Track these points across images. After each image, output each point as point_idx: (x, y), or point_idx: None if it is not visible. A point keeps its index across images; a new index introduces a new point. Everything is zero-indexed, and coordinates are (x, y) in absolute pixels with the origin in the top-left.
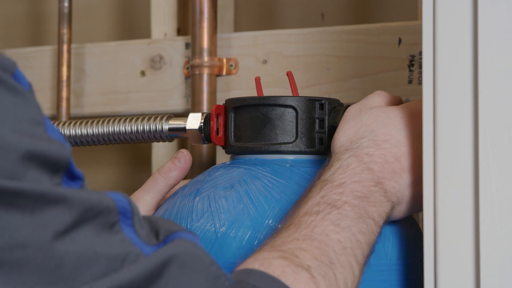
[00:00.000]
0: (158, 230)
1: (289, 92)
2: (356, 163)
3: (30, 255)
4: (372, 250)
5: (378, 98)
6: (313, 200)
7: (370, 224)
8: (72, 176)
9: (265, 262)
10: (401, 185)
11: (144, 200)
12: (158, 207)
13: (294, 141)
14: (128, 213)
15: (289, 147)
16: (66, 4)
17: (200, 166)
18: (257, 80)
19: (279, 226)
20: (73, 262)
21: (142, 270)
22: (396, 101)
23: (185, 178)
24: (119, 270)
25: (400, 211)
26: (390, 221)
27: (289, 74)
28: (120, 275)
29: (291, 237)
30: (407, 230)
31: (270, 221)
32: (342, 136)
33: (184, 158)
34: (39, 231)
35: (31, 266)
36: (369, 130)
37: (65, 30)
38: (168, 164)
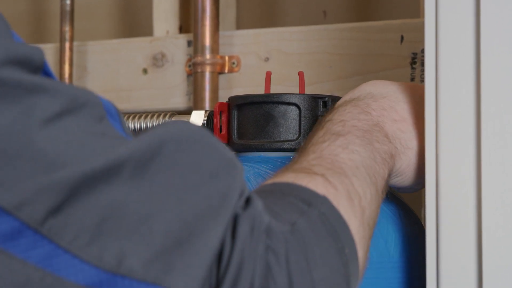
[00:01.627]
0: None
1: (291, 90)
2: (353, 108)
3: (14, 145)
4: (386, 188)
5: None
6: (317, 135)
7: (375, 154)
8: (49, 77)
9: (276, 178)
10: (404, 134)
11: None
12: None
13: (297, 138)
14: (115, 115)
15: (292, 145)
16: (68, 2)
17: None
18: (268, 75)
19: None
20: (63, 150)
21: (141, 145)
22: None
23: None
24: (117, 147)
25: (403, 168)
26: (394, 218)
27: (300, 74)
28: (118, 151)
29: (301, 164)
30: (409, 228)
31: None
32: (346, 96)
33: None
34: (24, 118)
35: (14, 155)
36: (366, 91)
37: (67, 28)
38: None
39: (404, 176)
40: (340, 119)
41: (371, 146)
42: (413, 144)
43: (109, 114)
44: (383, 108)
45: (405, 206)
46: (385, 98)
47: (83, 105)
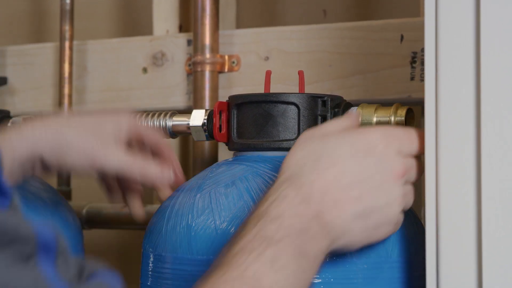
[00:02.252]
0: (83, 268)
1: (291, 89)
2: (294, 194)
3: None
4: (310, 286)
5: (336, 124)
6: (248, 235)
7: (307, 261)
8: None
9: None
10: (344, 218)
11: (109, 164)
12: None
13: (296, 138)
14: (51, 250)
15: (291, 144)
16: (67, 1)
17: (203, 162)
18: (268, 74)
19: (217, 258)
20: None
21: None
22: (357, 125)
23: (186, 176)
24: None
25: (346, 245)
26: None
27: (300, 73)
28: None
29: (220, 280)
30: (408, 227)
31: None
32: (288, 161)
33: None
34: None
35: None
36: (314, 157)
37: (67, 27)
38: (155, 171)
39: (346, 250)
40: (277, 214)
41: (302, 252)
42: (352, 226)
43: (42, 249)
44: (326, 191)
45: None
46: (332, 169)
47: (10, 241)
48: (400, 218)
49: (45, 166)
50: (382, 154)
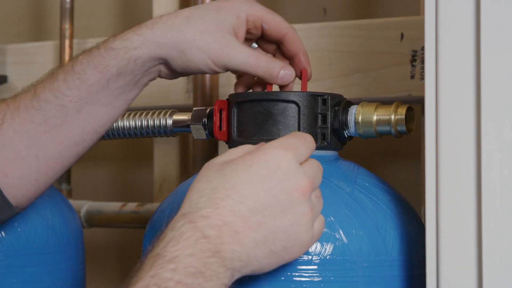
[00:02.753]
0: None
1: (292, 87)
2: (191, 231)
3: None
4: None
5: (238, 150)
6: (142, 281)
7: None
8: None
9: None
10: (246, 246)
11: (234, 61)
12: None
13: None
14: None
15: None
16: None
17: (203, 161)
18: None
19: None
20: None
21: None
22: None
23: (186, 174)
24: None
25: (254, 271)
26: (392, 216)
27: (303, 72)
28: None
29: None
30: (408, 226)
31: None
32: (188, 195)
33: (287, 77)
34: None
35: None
36: (211, 187)
37: (67, 26)
38: (286, 69)
39: (255, 273)
40: (173, 255)
41: None
42: (256, 253)
43: None
44: (223, 222)
45: (405, 203)
46: (229, 198)
47: None
48: (316, 229)
49: (170, 68)
50: (282, 174)
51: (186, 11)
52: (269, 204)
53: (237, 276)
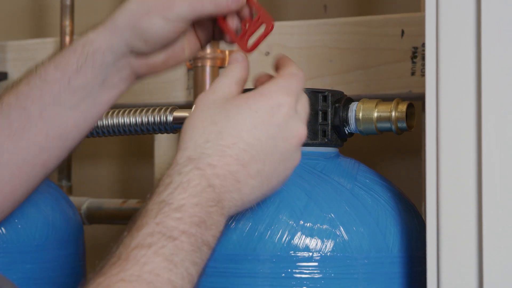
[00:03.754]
0: None
1: None
2: (198, 179)
3: None
4: (202, 273)
5: (229, 81)
6: (147, 227)
7: (204, 251)
8: None
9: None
10: (243, 193)
11: (181, 10)
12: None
13: None
14: None
15: None
16: None
17: None
18: None
19: (113, 248)
20: None
21: None
22: (246, 72)
23: None
24: None
25: (241, 209)
26: (393, 213)
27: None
28: None
29: (117, 277)
30: (409, 222)
31: (270, 213)
32: (189, 132)
33: None
34: None
35: None
36: (217, 131)
37: (67, 22)
38: None
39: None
40: (179, 203)
41: (201, 243)
42: (250, 198)
43: None
44: (228, 171)
45: (405, 200)
46: (235, 146)
47: None
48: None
49: (139, 54)
50: (283, 121)
51: None
52: (270, 152)
53: (227, 219)
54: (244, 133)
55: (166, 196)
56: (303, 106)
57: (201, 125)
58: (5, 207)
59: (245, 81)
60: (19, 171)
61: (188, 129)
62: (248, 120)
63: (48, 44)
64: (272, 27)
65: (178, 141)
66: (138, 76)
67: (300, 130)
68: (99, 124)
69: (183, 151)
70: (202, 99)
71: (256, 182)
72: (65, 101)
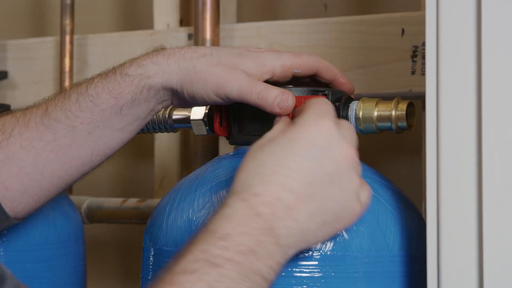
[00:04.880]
0: None
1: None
2: (244, 209)
3: None
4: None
5: (279, 126)
6: (192, 254)
7: (256, 280)
8: None
9: None
10: (300, 221)
11: (232, 90)
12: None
13: None
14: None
15: None
16: None
17: (204, 157)
18: None
19: (160, 274)
20: None
21: None
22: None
23: (187, 170)
24: None
25: (310, 245)
26: (393, 212)
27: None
28: None
29: None
30: (409, 221)
31: None
32: (237, 176)
33: (278, 102)
34: None
35: None
36: (257, 164)
37: (67, 21)
38: (273, 93)
39: (312, 247)
40: (226, 232)
41: (250, 272)
42: (311, 226)
43: None
44: (276, 199)
45: (405, 199)
46: (278, 173)
47: None
48: (364, 197)
49: (180, 98)
50: (325, 142)
51: (207, 48)
52: (317, 174)
53: (292, 252)
54: (283, 160)
55: (212, 226)
56: (348, 131)
57: (245, 166)
58: (36, 209)
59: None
60: (59, 181)
61: (236, 176)
62: (285, 149)
63: (48, 43)
64: None
65: None
66: (173, 105)
67: (346, 150)
68: None
69: (230, 191)
70: (249, 148)
71: (311, 208)
72: (114, 124)
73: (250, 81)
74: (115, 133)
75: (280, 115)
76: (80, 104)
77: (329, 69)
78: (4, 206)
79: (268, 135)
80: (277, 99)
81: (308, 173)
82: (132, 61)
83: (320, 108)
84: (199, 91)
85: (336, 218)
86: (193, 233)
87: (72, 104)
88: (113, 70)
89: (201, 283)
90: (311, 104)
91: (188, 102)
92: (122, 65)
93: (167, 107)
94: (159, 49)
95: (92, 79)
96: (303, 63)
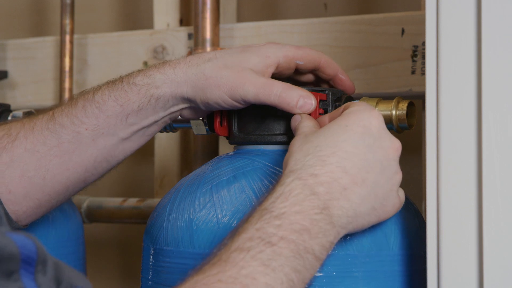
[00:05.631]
0: (60, 280)
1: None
2: (300, 188)
3: None
4: (310, 283)
5: (309, 122)
6: (247, 232)
7: (308, 259)
8: None
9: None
10: (353, 202)
11: (247, 92)
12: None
13: None
14: (33, 261)
15: (291, 138)
16: None
17: (204, 156)
18: None
19: (214, 252)
20: None
21: None
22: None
23: (187, 170)
24: None
25: (357, 228)
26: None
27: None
28: None
29: (216, 278)
30: (410, 221)
31: None
32: (290, 157)
33: (300, 104)
34: None
35: None
36: (314, 145)
37: (67, 21)
38: (294, 97)
39: (358, 230)
40: (280, 211)
41: (303, 250)
42: (362, 209)
43: (24, 262)
44: (333, 178)
45: (405, 198)
46: (334, 155)
47: None
48: (401, 192)
49: (193, 108)
50: (377, 132)
51: (211, 53)
52: (371, 160)
53: (342, 233)
54: (341, 143)
55: (268, 204)
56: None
57: (299, 149)
58: (38, 215)
59: (323, 123)
60: (60, 186)
61: (289, 155)
62: (341, 133)
63: (48, 42)
64: None
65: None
66: (183, 117)
67: (395, 142)
68: None
69: (284, 172)
70: (294, 139)
71: (363, 191)
72: (119, 132)
73: (265, 82)
74: (119, 142)
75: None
76: (86, 110)
77: (330, 64)
78: (7, 209)
79: (305, 129)
80: (299, 102)
81: (362, 158)
82: (139, 71)
83: (365, 104)
84: (213, 97)
85: (381, 206)
86: (246, 211)
87: (79, 110)
88: (120, 79)
89: (255, 261)
90: (355, 102)
91: (201, 110)
92: (129, 74)
93: (175, 119)
94: (165, 61)
95: (99, 87)
96: (306, 55)
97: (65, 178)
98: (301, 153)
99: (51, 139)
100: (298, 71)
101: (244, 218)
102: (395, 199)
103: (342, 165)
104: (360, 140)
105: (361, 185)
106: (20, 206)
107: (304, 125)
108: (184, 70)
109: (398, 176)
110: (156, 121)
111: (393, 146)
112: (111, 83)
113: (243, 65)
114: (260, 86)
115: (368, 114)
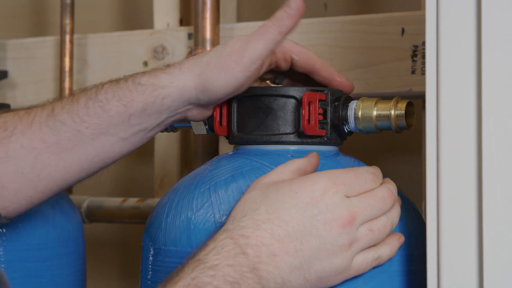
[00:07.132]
0: None
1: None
2: (232, 245)
3: None
4: None
5: (289, 168)
6: (183, 281)
7: None
8: None
9: None
10: (282, 270)
11: (255, 49)
12: (271, 55)
13: (296, 131)
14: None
15: (291, 138)
16: None
17: (204, 156)
18: None
19: None
20: None
21: None
22: (312, 167)
23: (187, 169)
24: None
25: (281, 285)
26: None
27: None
28: None
29: None
30: (409, 221)
31: None
32: (235, 209)
33: (296, 4)
34: None
35: None
36: (253, 208)
37: (67, 21)
38: (279, 12)
39: None
40: (214, 263)
41: None
42: (292, 278)
43: None
44: (262, 243)
45: (405, 198)
46: (270, 221)
47: None
48: (357, 263)
49: (199, 106)
50: (326, 205)
51: (214, 48)
52: (307, 232)
53: None
54: (280, 211)
55: (201, 256)
56: (363, 197)
57: (242, 205)
58: (27, 209)
59: (306, 172)
60: (54, 184)
61: (233, 211)
62: (286, 200)
63: (48, 42)
64: None
65: None
66: (187, 119)
67: (342, 215)
68: None
69: (223, 227)
70: (254, 183)
71: (295, 261)
72: (120, 133)
73: (259, 30)
74: (118, 142)
75: None
76: (89, 108)
77: (326, 67)
78: None
79: (274, 176)
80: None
81: (299, 228)
82: (144, 72)
83: (340, 176)
84: (223, 82)
85: (317, 278)
86: (184, 261)
87: (81, 108)
88: (125, 78)
89: None
90: (330, 170)
91: (206, 109)
92: (134, 75)
93: (178, 121)
94: (170, 63)
95: (102, 85)
96: (302, 51)
97: (60, 177)
98: (241, 212)
99: (50, 136)
100: (293, 71)
101: (178, 268)
102: (340, 271)
103: (274, 233)
104: (301, 210)
105: (292, 255)
106: (11, 203)
107: (289, 164)
108: (190, 68)
109: (343, 249)
110: (158, 124)
111: (338, 219)
112: (115, 82)
113: (244, 57)
114: (260, 34)
115: (323, 185)
